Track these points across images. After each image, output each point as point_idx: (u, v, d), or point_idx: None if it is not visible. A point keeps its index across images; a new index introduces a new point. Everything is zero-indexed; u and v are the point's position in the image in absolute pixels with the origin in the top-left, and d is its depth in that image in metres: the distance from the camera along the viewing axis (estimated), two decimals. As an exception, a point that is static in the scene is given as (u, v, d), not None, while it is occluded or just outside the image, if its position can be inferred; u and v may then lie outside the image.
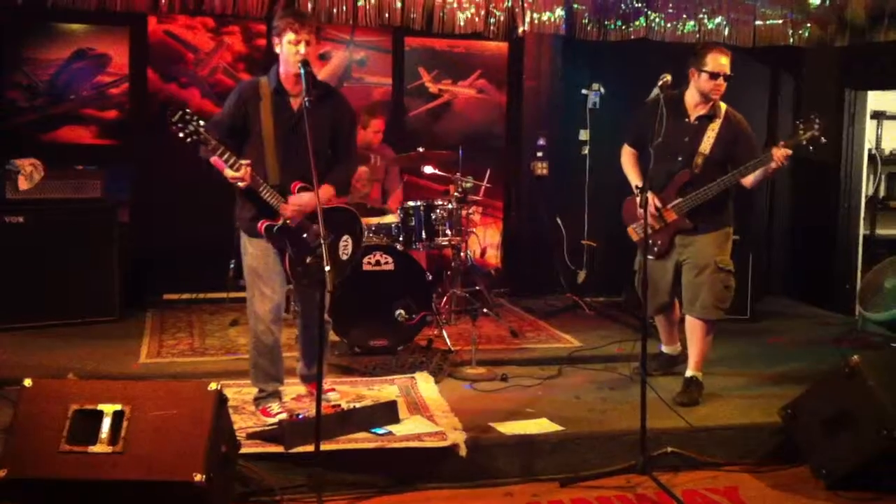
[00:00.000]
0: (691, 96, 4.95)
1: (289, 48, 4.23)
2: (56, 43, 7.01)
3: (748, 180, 4.84)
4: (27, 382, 3.50)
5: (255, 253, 4.41)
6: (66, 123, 7.08)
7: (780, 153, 4.61)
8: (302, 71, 4.11)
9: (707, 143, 4.88)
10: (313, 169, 3.91)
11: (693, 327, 5.04)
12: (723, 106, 4.96)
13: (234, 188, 4.27)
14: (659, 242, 5.01)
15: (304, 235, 4.33)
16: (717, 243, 4.95)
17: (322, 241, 3.79)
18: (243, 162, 4.12)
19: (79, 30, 7.05)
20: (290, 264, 4.36)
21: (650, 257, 5.00)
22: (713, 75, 4.81)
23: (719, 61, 4.80)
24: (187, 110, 3.96)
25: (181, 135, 3.95)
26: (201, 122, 3.99)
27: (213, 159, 4.14)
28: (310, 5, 6.65)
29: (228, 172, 4.12)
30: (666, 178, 4.94)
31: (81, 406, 3.41)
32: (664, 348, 5.49)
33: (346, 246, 4.58)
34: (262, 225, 4.30)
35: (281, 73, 4.32)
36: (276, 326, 4.47)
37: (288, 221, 4.30)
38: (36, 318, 6.10)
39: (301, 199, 4.29)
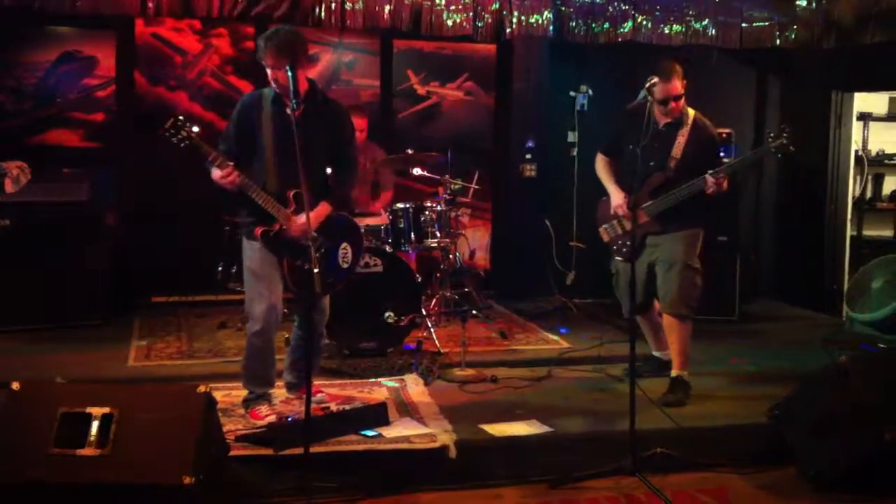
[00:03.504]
0: (656, 108, 5.02)
1: (269, 73, 4.36)
2: (43, 45, 6.99)
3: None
4: (15, 385, 3.49)
5: (253, 255, 4.47)
6: (53, 126, 7.06)
7: (710, 181, 4.82)
8: (289, 74, 4.12)
9: (678, 148, 5.03)
10: (301, 171, 3.94)
11: (669, 325, 5.12)
12: (691, 112, 5.10)
13: (231, 193, 4.33)
14: (629, 243, 5.07)
15: (301, 241, 4.35)
16: (687, 242, 5.05)
17: (310, 244, 3.86)
18: (229, 162, 4.20)
19: (66, 32, 7.03)
20: (289, 270, 4.41)
21: (619, 258, 5.23)
22: (662, 102, 4.94)
23: (666, 89, 4.91)
24: (180, 118, 4.12)
25: (174, 140, 4.09)
26: (194, 129, 4.11)
27: (212, 171, 4.25)
28: (297, 8, 6.65)
29: (216, 172, 4.21)
30: (640, 181, 5.01)
31: (69, 409, 3.40)
32: (655, 353, 5.51)
33: (345, 254, 4.63)
34: (258, 231, 4.37)
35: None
36: (271, 329, 4.49)
37: (283, 228, 4.35)
38: (23, 322, 6.08)
39: (302, 220, 4.29)
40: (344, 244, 4.63)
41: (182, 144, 4.10)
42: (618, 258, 5.24)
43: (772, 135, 4.98)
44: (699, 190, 4.91)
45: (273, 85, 4.38)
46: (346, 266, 4.65)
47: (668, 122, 5.06)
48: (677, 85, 4.95)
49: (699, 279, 5.08)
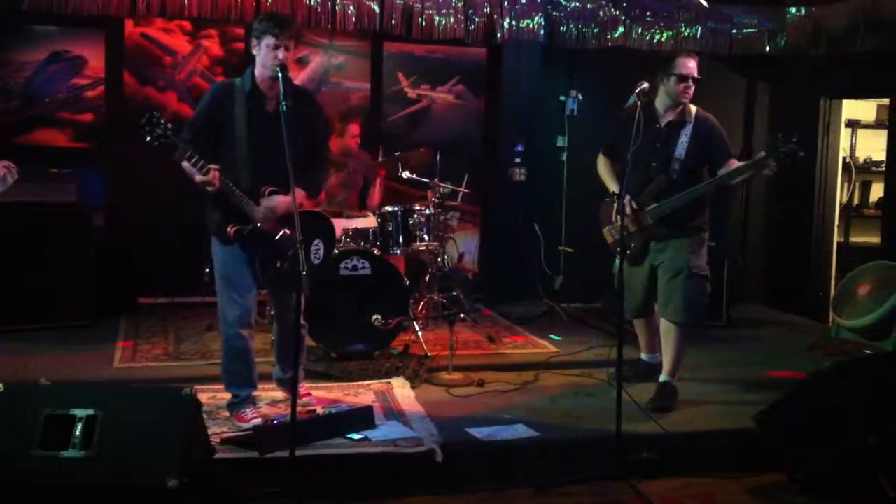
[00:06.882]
0: (661, 103, 5.01)
1: (267, 52, 4.23)
2: (31, 45, 6.95)
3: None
4: (-2, 387, 3.46)
5: (225, 259, 4.40)
6: (41, 126, 7.02)
7: (773, 166, 4.68)
8: (279, 76, 4.04)
9: (681, 149, 4.94)
10: (291, 173, 3.86)
11: (666, 331, 5.07)
12: (693, 108, 5.03)
13: (205, 193, 4.25)
14: (633, 246, 5.04)
15: (276, 239, 4.33)
16: (692, 248, 4.99)
17: (297, 245, 3.78)
18: (211, 166, 4.11)
19: (54, 32, 6.98)
20: (262, 269, 4.37)
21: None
22: (681, 78, 4.87)
23: (687, 65, 4.88)
24: (155, 113, 4.00)
25: (148, 138, 3.98)
26: (169, 126, 4.01)
27: (184, 165, 4.14)
28: (288, 10, 6.63)
29: (197, 177, 4.12)
30: (642, 184, 4.98)
31: (53, 411, 3.37)
32: (643, 356, 5.50)
33: (317, 250, 4.60)
34: (231, 229, 4.29)
35: (257, 75, 4.32)
36: (248, 332, 4.48)
37: (258, 226, 4.29)
38: (8, 323, 6.03)
39: (271, 202, 4.29)
40: (317, 241, 4.59)
41: (156, 143, 3.98)
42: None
43: (782, 140, 4.79)
44: (734, 180, 4.85)
45: (262, 71, 4.26)
46: (316, 262, 4.58)
47: (670, 122, 4.97)
48: (696, 66, 4.87)
49: (707, 286, 5.02)
